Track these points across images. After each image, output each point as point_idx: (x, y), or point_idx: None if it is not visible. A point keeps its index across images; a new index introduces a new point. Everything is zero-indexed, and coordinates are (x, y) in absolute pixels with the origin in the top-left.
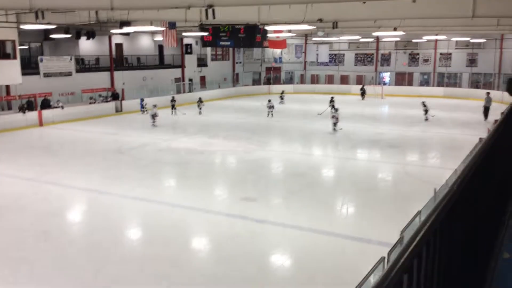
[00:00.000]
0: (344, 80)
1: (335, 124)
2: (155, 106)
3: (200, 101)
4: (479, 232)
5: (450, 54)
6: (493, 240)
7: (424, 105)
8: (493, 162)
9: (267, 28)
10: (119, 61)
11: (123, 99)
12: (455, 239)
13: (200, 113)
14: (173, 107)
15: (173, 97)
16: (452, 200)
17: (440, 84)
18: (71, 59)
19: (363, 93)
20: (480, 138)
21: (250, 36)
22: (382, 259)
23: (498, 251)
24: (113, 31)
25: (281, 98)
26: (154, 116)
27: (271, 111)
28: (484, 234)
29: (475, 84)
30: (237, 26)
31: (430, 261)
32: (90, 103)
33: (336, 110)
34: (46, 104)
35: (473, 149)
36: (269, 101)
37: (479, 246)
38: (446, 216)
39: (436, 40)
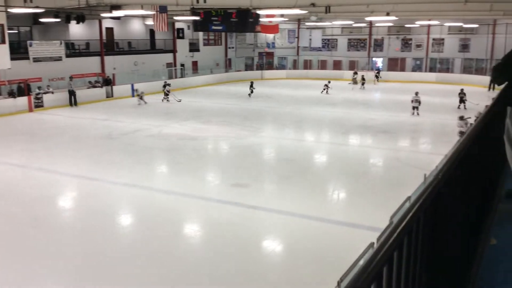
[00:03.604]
0: (337, 65)
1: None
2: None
3: (251, 85)
4: (466, 218)
5: (443, 39)
6: (481, 226)
7: (463, 93)
8: (482, 147)
9: (259, 12)
10: (109, 45)
11: (114, 84)
12: (440, 227)
13: (250, 95)
14: (165, 93)
15: (165, 82)
16: (437, 187)
17: (432, 69)
18: (61, 43)
19: (355, 78)
20: (471, 124)
21: (242, 20)
22: (371, 244)
23: (485, 237)
24: (103, 15)
25: (377, 77)
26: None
27: (326, 89)
28: (471, 220)
29: (467, 70)
30: (229, 10)
31: (412, 250)
32: (89, 88)
33: (417, 93)
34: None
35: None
36: (329, 82)
37: (466, 232)
38: (431, 204)
39: (429, 25)
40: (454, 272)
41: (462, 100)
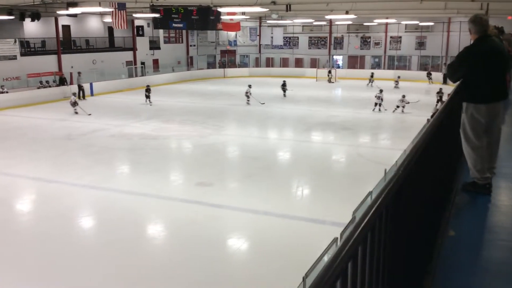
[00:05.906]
0: (298, 63)
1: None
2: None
3: (284, 84)
4: (426, 211)
5: (400, 37)
6: (440, 218)
7: (441, 93)
8: (439, 142)
9: (220, 10)
10: (66, 44)
11: (71, 83)
12: (402, 221)
13: (284, 95)
14: (147, 96)
15: (148, 86)
16: (398, 182)
17: (390, 67)
18: (15, 41)
19: (330, 77)
20: (428, 119)
21: (203, 18)
22: (335, 239)
23: (444, 229)
24: (59, 12)
25: (396, 83)
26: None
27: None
28: (431, 213)
29: (423, 67)
30: (190, 7)
31: (375, 245)
32: (39, 88)
33: (381, 91)
34: None
35: (421, 130)
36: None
37: (426, 225)
38: (392, 199)
39: (387, 24)
40: (415, 265)
41: (440, 100)
